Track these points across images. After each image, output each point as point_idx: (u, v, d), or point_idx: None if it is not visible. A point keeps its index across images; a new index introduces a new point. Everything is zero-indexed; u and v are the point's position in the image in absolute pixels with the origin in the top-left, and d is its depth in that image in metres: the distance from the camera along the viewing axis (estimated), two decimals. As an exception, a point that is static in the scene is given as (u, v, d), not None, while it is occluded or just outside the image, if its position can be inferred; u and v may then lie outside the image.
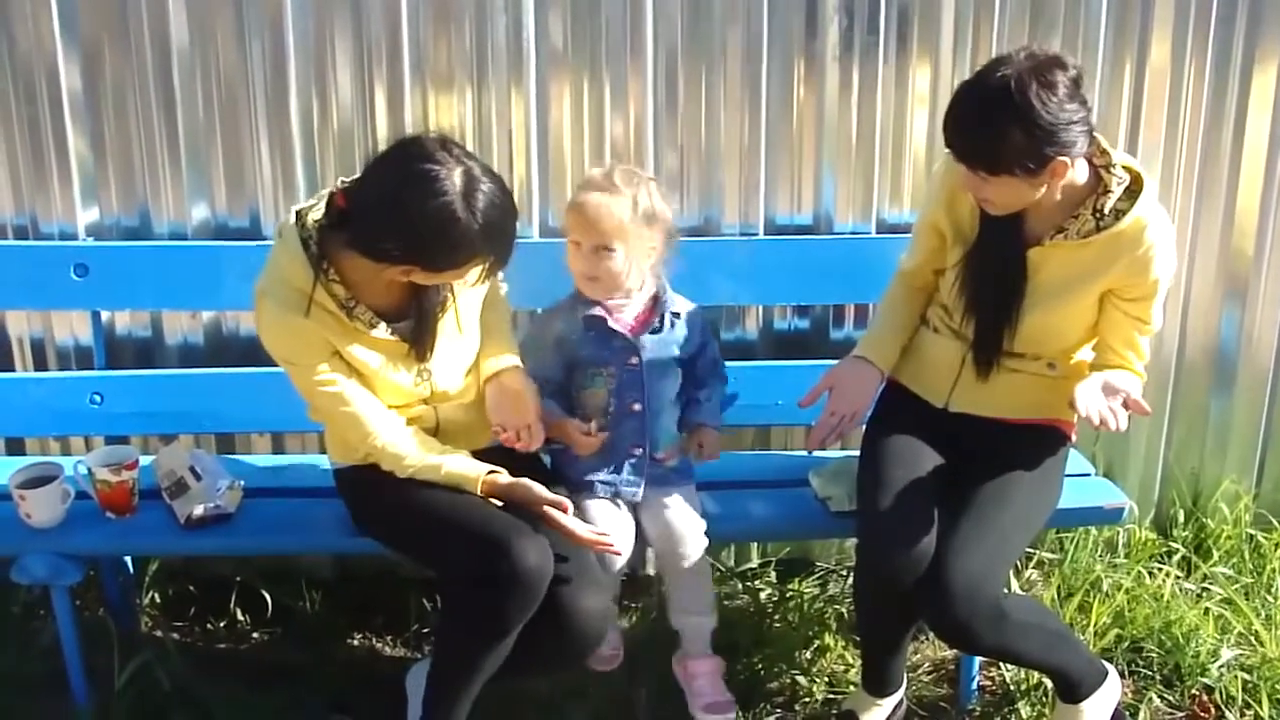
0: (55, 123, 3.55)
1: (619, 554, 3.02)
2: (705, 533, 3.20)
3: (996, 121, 2.73)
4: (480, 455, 3.01)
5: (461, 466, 2.96)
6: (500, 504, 2.94)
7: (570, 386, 3.22)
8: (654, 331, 3.17)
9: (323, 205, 2.88)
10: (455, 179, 2.71)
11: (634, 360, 3.16)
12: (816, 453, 3.20)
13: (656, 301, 3.19)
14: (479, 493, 2.93)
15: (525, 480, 2.93)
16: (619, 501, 3.18)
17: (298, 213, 2.91)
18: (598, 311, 3.14)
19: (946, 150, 2.92)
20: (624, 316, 3.16)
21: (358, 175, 2.86)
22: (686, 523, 3.18)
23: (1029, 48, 2.79)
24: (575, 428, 3.12)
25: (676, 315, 3.21)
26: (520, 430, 3.03)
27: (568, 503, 2.91)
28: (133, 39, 3.48)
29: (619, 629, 3.32)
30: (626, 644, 3.32)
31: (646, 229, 3.10)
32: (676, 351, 3.21)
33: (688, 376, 3.27)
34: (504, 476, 2.95)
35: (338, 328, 2.90)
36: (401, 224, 2.72)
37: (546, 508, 2.89)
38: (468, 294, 3.07)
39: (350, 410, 2.95)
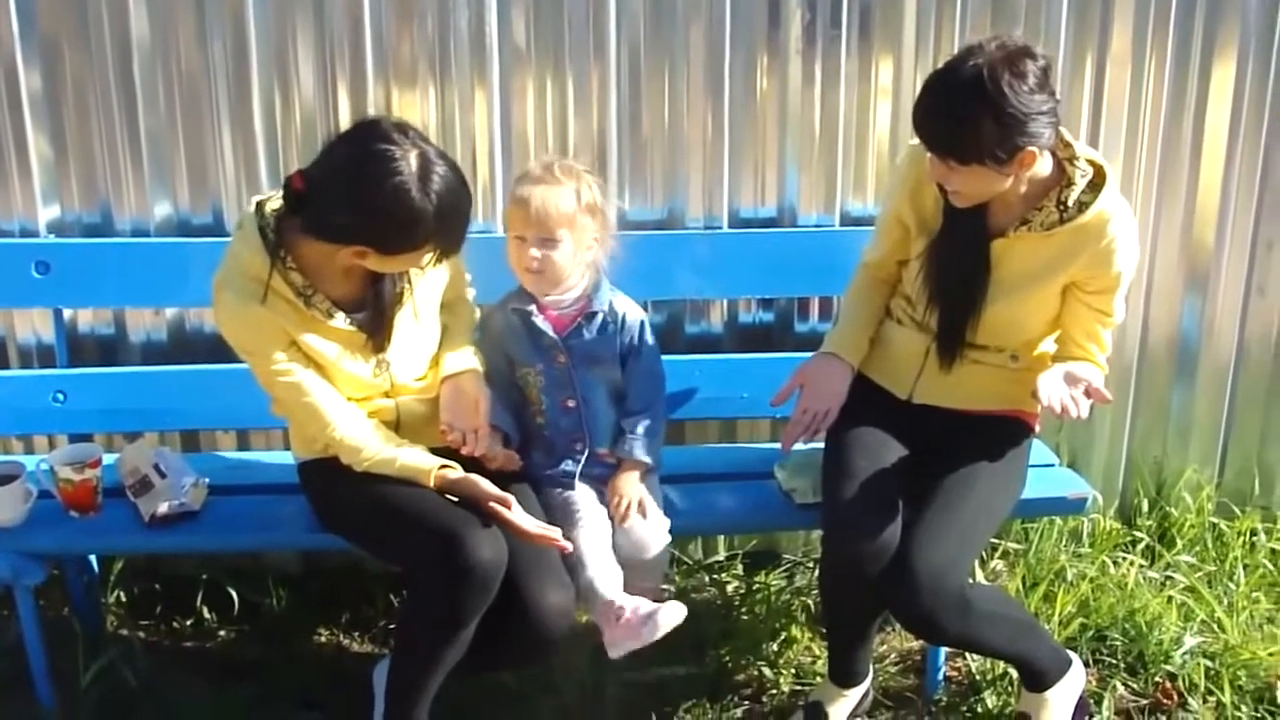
0: (15, 120, 3.52)
1: (566, 548, 2.98)
2: (670, 531, 3.16)
3: (968, 110, 2.74)
4: (440, 451, 3.01)
5: (415, 460, 2.96)
6: (456, 499, 2.94)
7: (513, 380, 3.21)
8: (581, 330, 3.15)
9: (280, 197, 2.88)
10: (411, 160, 2.72)
11: (561, 359, 3.15)
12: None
13: (590, 300, 3.17)
14: (431, 485, 2.93)
15: (473, 476, 2.94)
16: (565, 492, 3.17)
17: (258, 204, 2.93)
18: (526, 306, 3.14)
19: (911, 142, 2.94)
20: (552, 314, 3.15)
21: (314, 159, 2.86)
22: (647, 526, 3.13)
23: (999, 38, 2.80)
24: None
25: (616, 318, 3.17)
26: (467, 433, 3.04)
27: (512, 499, 2.91)
28: (93, 35, 3.45)
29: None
30: (596, 633, 3.27)
31: (590, 220, 3.09)
32: (611, 351, 3.18)
33: (624, 386, 3.24)
34: (455, 471, 2.95)
35: (295, 316, 2.91)
36: (356, 202, 2.73)
37: (491, 504, 2.90)
38: (425, 284, 3.08)
39: (309, 401, 2.95)
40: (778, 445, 3.27)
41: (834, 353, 3.21)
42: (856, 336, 3.25)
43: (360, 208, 2.73)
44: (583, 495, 3.17)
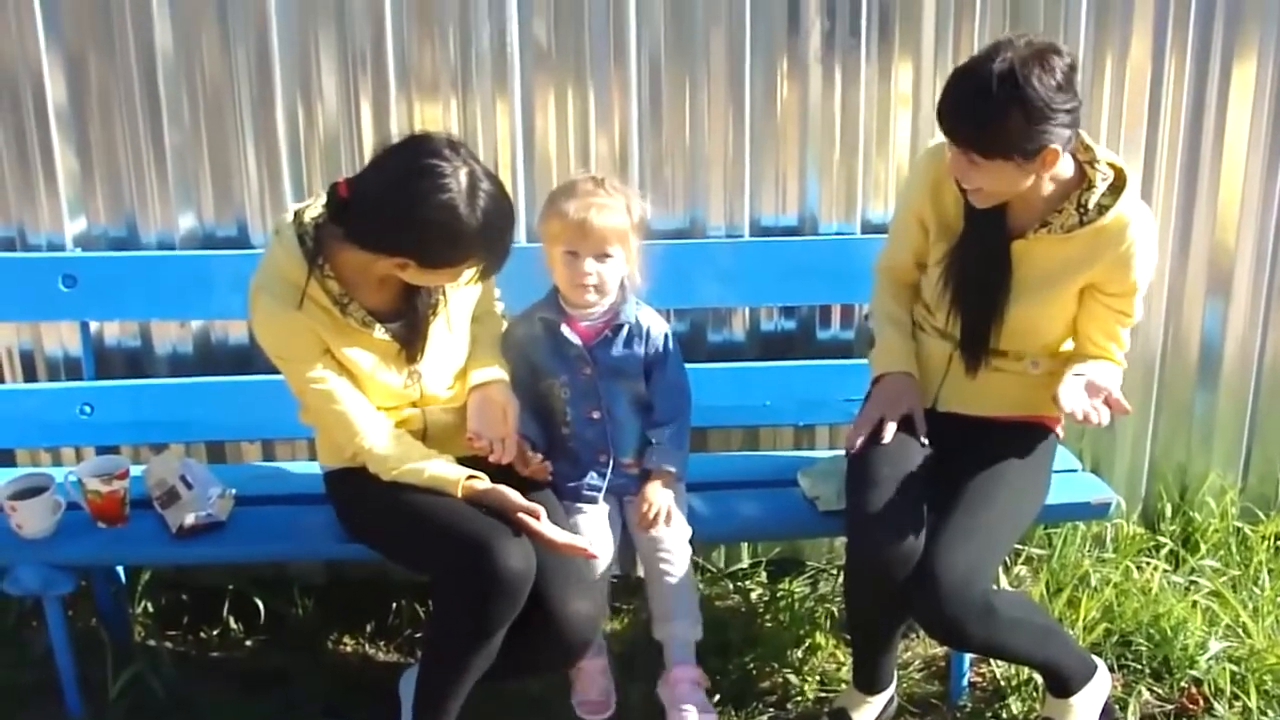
0: (41, 133, 3.55)
1: (596, 558, 3.01)
2: (692, 540, 3.18)
3: (997, 103, 2.72)
4: (466, 461, 3.02)
5: (443, 470, 2.97)
6: (483, 509, 2.95)
7: (537, 391, 3.22)
8: (608, 342, 3.16)
9: (319, 205, 2.90)
10: (461, 177, 2.74)
11: (587, 370, 3.16)
12: (805, 453, 3.20)
13: (617, 313, 3.17)
14: (459, 496, 2.94)
15: (501, 486, 2.94)
16: (582, 506, 3.18)
17: (295, 212, 2.94)
18: (554, 317, 3.15)
19: (930, 142, 2.94)
20: (580, 325, 3.15)
21: (363, 168, 2.89)
22: (671, 534, 3.15)
23: (1026, 35, 2.79)
24: (522, 452, 3.12)
25: (641, 330, 3.17)
26: (495, 442, 3.05)
27: (540, 509, 2.92)
28: (118, 48, 3.48)
29: (611, 677, 3.23)
30: (618, 643, 3.32)
31: (634, 237, 3.11)
32: (636, 363, 3.18)
33: (649, 398, 3.24)
34: (482, 481, 2.96)
35: (330, 324, 2.93)
36: (403, 214, 2.75)
37: (520, 514, 2.91)
38: (459, 296, 3.10)
39: (339, 409, 2.96)
40: (801, 453, 3.27)
41: (892, 372, 3.21)
42: (904, 348, 3.25)
43: (407, 220, 2.76)
44: (593, 522, 3.16)
